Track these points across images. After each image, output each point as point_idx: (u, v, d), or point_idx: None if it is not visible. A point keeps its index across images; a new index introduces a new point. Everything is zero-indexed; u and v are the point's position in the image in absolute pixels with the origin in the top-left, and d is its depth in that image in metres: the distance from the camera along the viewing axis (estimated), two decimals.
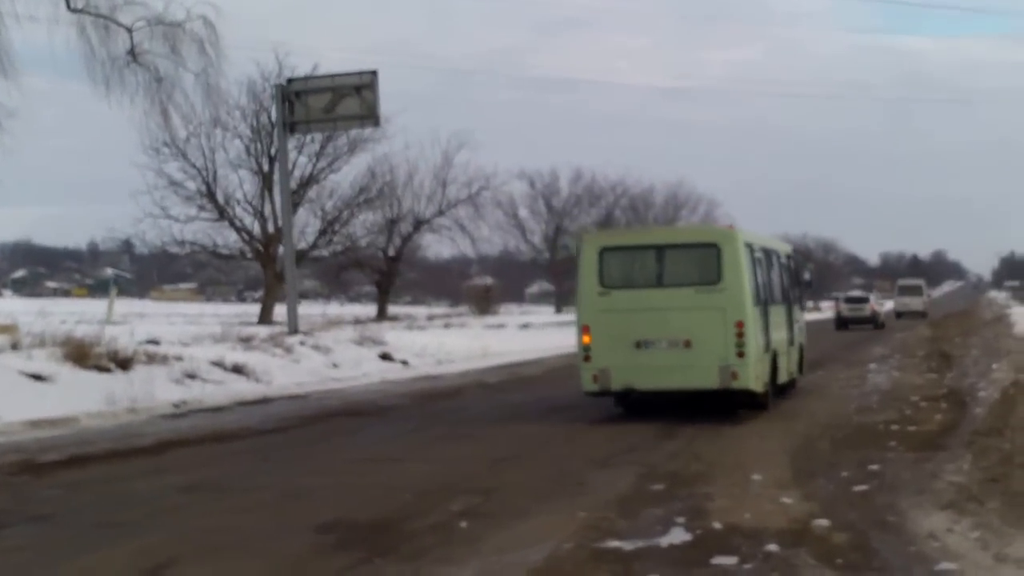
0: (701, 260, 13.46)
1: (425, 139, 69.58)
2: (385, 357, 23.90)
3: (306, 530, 6.81)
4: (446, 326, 33.12)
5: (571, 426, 12.18)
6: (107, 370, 16.32)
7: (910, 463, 8.72)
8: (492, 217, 64.50)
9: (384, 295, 48.11)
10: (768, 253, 15.42)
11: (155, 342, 19.88)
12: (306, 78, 28.08)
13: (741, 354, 12.89)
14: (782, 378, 14.87)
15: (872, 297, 45.88)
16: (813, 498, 7.43)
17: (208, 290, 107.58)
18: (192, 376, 17.41)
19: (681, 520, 6.72)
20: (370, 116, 25.50)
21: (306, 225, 41.89)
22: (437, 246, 53.18)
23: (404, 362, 23.86)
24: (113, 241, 49.65)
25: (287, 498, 8.01)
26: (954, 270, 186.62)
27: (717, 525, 6.57)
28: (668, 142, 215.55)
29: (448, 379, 20.35)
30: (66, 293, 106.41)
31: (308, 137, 38.81)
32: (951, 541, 6.08)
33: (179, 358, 18.07)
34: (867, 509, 7.00)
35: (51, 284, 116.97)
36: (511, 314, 50.19)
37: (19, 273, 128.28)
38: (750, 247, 14.04)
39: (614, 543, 6.20)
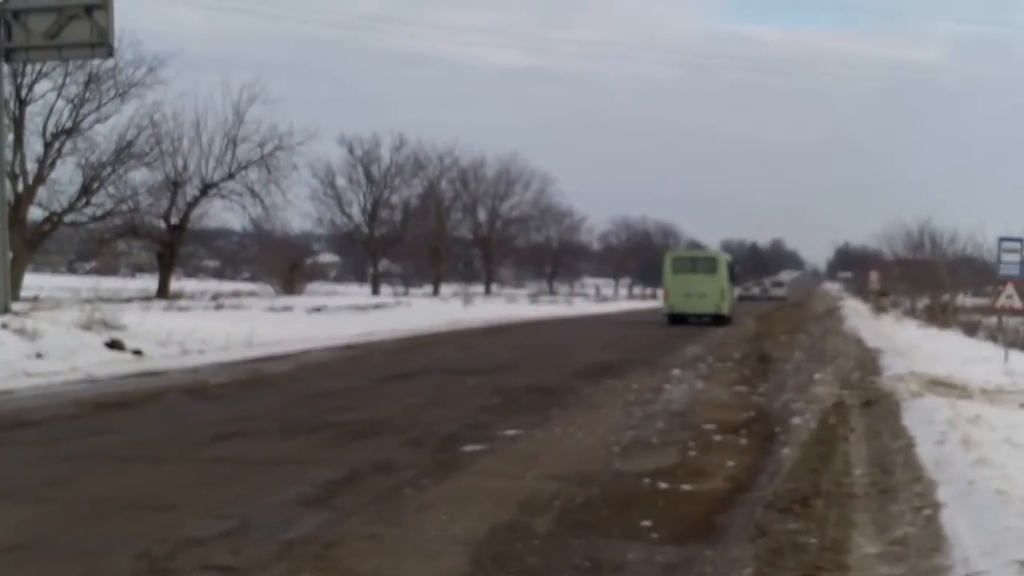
0: (709, 263, 36.02)
1: (216, 92, 63.29)
2: (114, 345, 19.56)
3: None
4: (218, 307, 28.63)
5: (203, 472, 8.24)
6: None
7: None
8: (307, 185, 59.08)
9: (166, 269, 41.73)
10: (728, 261, 37.86)
11: None
12: None
13: (723, 299, 34.45)
14: (729, 313, 35.43)
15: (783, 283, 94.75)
16: None
17: (36, 259, 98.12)
18: None
19: None
20: (102, 44, 20.36)
21: (69, 183, 35.75)
22: (283, 221, 47.26)
23: (137, 352, 19.57)
24: None
25: None
26: (791, 260, 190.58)
27: None
28: (515, 120, 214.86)
29: (169, 377, 16.27)
30: None
31: (66, 77, 33.36)
32: None
33: None
34: None
35: None
36: (317, 295, 45.36)
37: None
38: (725, 259, 37.58)
39: None
